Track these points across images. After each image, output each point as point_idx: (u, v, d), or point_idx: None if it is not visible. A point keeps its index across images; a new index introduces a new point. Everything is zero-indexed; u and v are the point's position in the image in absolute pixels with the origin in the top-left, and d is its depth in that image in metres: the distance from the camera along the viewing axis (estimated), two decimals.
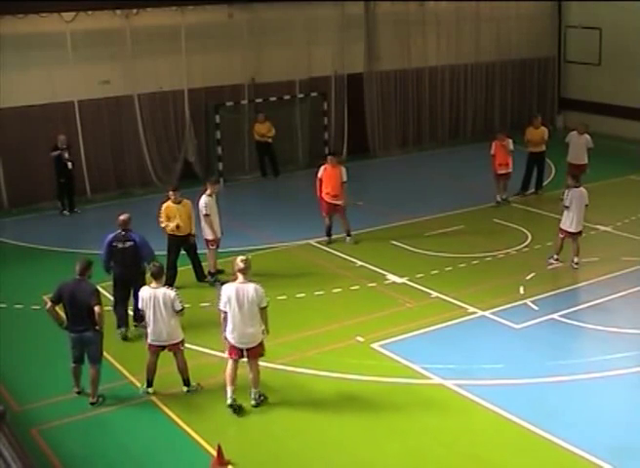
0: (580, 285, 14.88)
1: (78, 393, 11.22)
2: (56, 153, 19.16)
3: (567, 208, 15.22)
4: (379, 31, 24.42)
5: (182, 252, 14.65)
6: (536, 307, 13.67)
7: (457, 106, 26.53)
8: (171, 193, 14.38)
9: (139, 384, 11.39)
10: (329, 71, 23.96)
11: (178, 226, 14.20)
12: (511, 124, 25.85)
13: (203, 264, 14.98)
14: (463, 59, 26.34)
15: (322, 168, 16.78)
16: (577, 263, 15.36)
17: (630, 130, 25.69)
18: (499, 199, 19.47)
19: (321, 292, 14.53)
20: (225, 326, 10.63)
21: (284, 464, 9.76)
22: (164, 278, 11.18)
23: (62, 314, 10.95)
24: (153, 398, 11.13)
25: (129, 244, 12.76)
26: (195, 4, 21.36)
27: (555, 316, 13.33)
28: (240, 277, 10.58)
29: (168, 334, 10.90)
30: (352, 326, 13.11)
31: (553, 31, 28.11)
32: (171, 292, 10.85)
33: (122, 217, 12.91)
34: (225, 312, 10.56)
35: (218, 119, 21.78)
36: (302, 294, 14.44)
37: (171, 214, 14.28)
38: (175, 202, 14.30)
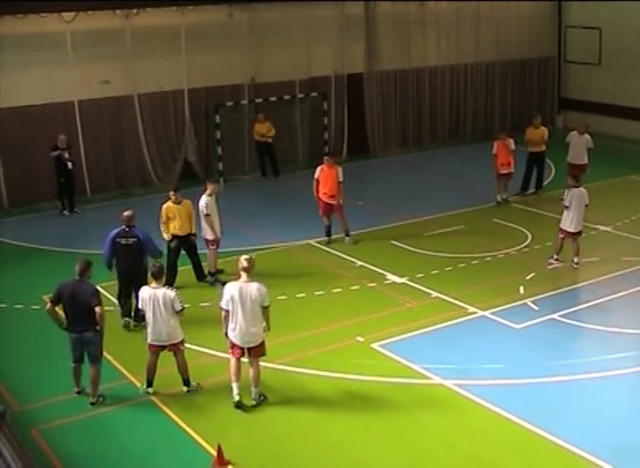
0: (579, 285, 14.88)
1: (78, 393, 11.22)
2: (56, 153, 19.16)
3: (567, 208, 15.23)
4: (379, 31, 24.42)
5: (182, 252, 14.66)
6: (536, 307, 13.67)
7: (457, 106, 26.54)
8: (171, 194, 14.39)
9: (139, 384, 11.39)
10: (329, 71, 23.97)
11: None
12: (511, 124, 25.82)
13: (203, 264, 14.98)
14: (463, 59, 26.34)
15: (319, 168, 16.81)
16: (577, 263, 15.36)
17: (630, 130, 25.69)
18: (499, 199, 19.47)
19: (321, 292, 14.53)
20: (226, 324, 10.65)
21: (284, 464, 9.76)
22: (164, 278, 11.18)
23: (62, 314, 10.95)
24: (153, 398, 11.13)
25: (132, 240, 12.86)
26: (195, 4, 21.36)
27: (555, 316, 13.33)
28: (243, 276, 10.59)
29: (168, 335, 10.91)
30: (352, 326, 13.11)
31: (553, 31, 28.12)
32: (171, 293, 10.85)
33: (126, 214, 13.02)
34: (227, 310, 10.57)
35: (218, 119, 21.79)
36: (302, 294, 14.44)
37: (171, 215, 14.30)
38: (175, 202, 14.31)
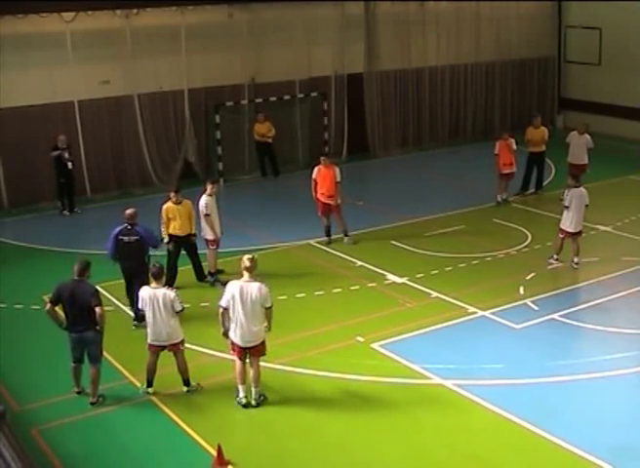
0: (579, 285, 14.89)
1: (78, 393, 11.22)
2: (56, 153, 19.17)
3: (567, 208, 15.23)
4: (379, 31, 24.42)
5: (182, 252, 14.66)
6: (536, 307, 13.67)
7: (457, 106, 26.54)
8: (172, 194, 14.40)
9: (139, 384, 11.39)
10: (329, 71, 23.97)
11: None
12: (511, 124, 25.81)
13: (203, 264, 14.98)
14: (463, 59, 26.34)
15: (316, 168, 16.81)
16: (577, 263, 15.36)
17: (630, 130, 25.69)
18: (499, 199, 19.48)
19: (321, 292, 14.53)
20: (223, 321, 10.63)
21: (284, 464, 9.76)
22: (164, 278, 11.18)
23: (62, 314, 10.94)
24: (153, 398, 11.13)
25: (134, 238, 12.99)
26: (195, 4, 21.36)
27: (555, 316, 13.33)
28: (245, 275, 10.60)
29: (168, 335, 10.91)
30: (352, 326, 13.11)
31: (553, 31, 28.12)
32: (171, 293, 10.85)
33: (128, 211, 13.14)
34: (225, 308, 10.57)
35: (218, 119, 21.81)
36: (302, 294, 14.44)
37: (171, 215, 14.30)
38: (175, 202, 14.31)
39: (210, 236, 14.73)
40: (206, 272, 14.99)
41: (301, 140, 23.65)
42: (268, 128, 22.23)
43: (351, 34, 23.97)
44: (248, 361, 10.82)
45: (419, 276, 15.10)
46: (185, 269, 14.80)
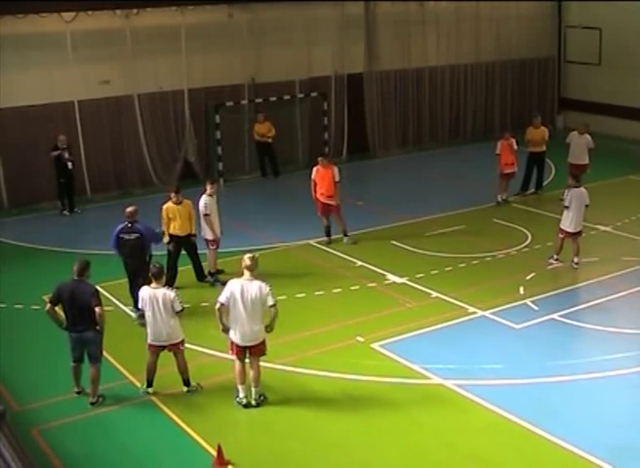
0: (579, 285, 14.89)
1: (78, 393, 11.22)
2: (56, 153, 19.17)
3: (567, 208, 15.23)
4: (379, 31, 24.42)
5: (182, 252, 14.66)
6: (536, 307, 13.67)
7: (457, 106, 26.54)
8: (172, 194, 14.41)
9: (139, 384, 11.39)
10: (329, 71, 23.97)
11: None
12: (511, 124, 25.81)
13: (203, 264, 14.98)
14: (463, 59, 26.34)
15: (315, 169, 16.81)
16: (577, 263, 15.36)
17: (630, 130, 25.69)
18: (499, 199, 19.47)
19: (321, 292, 14.53)
20: (221, 317, 10.61)
21: (284, 464, 9.76)
22: (164, 278, 11.18)
23: (62, 314, 10.94)
24: (153, 398, 11.13)
25: (134, 236, 13.16)
26: (195, 4, 21.35)
27: (555, 316, 13.33)
28: (246, 274, 10.60)
29: (167, 335, 10.91)
30: (352, 326, 13.11)
31: (553, 31, 28.11)
32: (170, 293, 10.85)
33: (129, 209, 13.30)
34: (222, 304, 10.55)
35: (218, 119, 21.81)
36: (302, 294, 14.44)
37: (171, 215, 14.31)
38: (175, 203, 14.32)
39: (209, 236, 14.73)
40: (206, 272, 14.99)
41: (301, 140, 23.65)
42: (268, 128, 22.22)
43: (351, 34, 23.96)
44: (248, 361, 10.82)
45: (419, 276, 15.10)
46: (185, 269, 14.81)
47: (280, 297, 13.66)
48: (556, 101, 28.58)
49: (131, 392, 11.34)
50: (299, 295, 14.38)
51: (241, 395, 10.83)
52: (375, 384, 11.40)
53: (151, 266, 11.22)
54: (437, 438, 10.17)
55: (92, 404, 10.99)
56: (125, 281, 13.85)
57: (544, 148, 20.03)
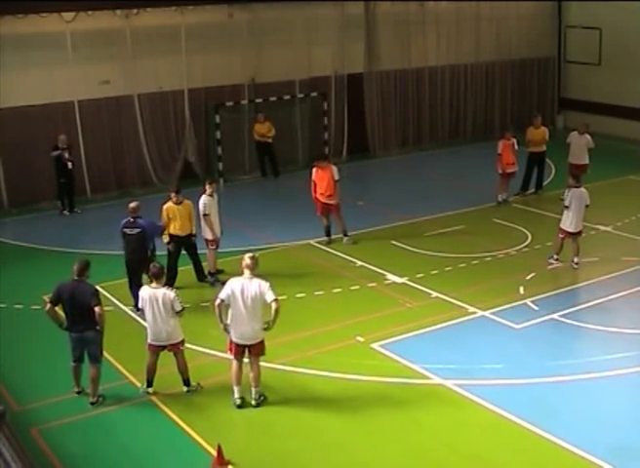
0: (579, 285, 14.89)
1: (78, 393, 11.22)
2: (56, 153, 19.17)
3: (567, 208, 15.23)
4: (379, 31, 24.42)
5: (183, 252, 14.67)
6: (536, 307, 13.67)
7: (457, 106, 26.54)
8: (173, 195, 14.42)
9: (139, 384, 11.39)
10: (329, 71, 23.96)
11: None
12: (511, 124, 25.74)
13: (203, 264, 14.98)
14: (463, 59, 26.34)
15: (314, 170, 16.80)
16: (577, 263, 15.36)
17: (630, 130, 25.68)
18: (500, 199, 19.47)
19: (321, 292, 14.53)
20: (220, 313, 10.57)
21: (284, 464, 9.76)
22: (164, 278, 11.18)
23: (62, 315, 10.95)
24: (153, 398, 11.13)
25: (136, 231, 13.47)
26: (195, 4, 21.35)
27: (555, 316, 13.33)
28: (246, 273, 10.60)
29: (168, 335, 10.91)
30: (352, 326, 13.11)
31: (553, 31, 28.11)
32: (170, 293, 10.85)
33: (132, 205, 13.62)
34: (222, 300, 10.54)
35: (218, 119, 21.80)
36: (302, 294, 14.44)
37: (171, 215, 14.33)
38: (175, 203, 14.34)
39: (209, 236, 14.74)
40: (206, 272, 14.99)
41: (301, 140, 23.64)
42: (268, 128, 22.22)
43: (351, 34, 23.96)
44: (247, 361, 10.82)
45: (419, 276, 15.10)
46: (185, 269, 14.81)
47: (280, 297, 13.63)
48: (556, 101, 28.58)
49: (131, 392, 11.34)
50: (299, 295, 14.38)
51: (236, 395, 10.82)
52: (375, 384, 11.40)
53: (151, 266, 11.21)
54: (437, 438, 10.16)
55: (92, 404, 10.99)
56: (125, 281, 13.87)
57: (545, 148, 20.03)
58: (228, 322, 10.63)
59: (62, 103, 20.29)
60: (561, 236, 15.44)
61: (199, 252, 14.85)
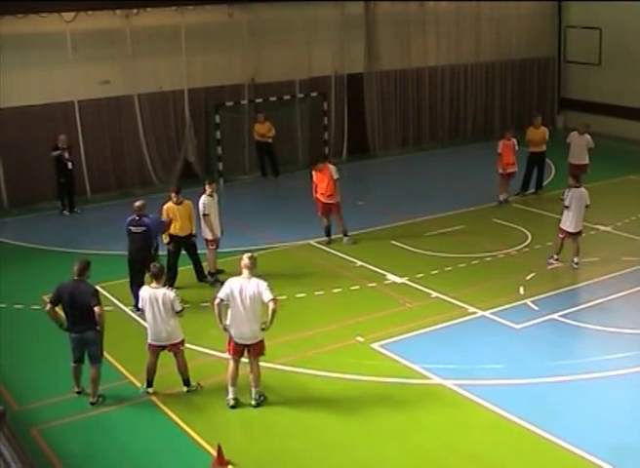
0: (579, 285, 14.89)
1: (78, 393, 11.22)
2: (56, 153, 19.17)
3: (567, 208, 15.23)
4: (379, 31, 24.41)
5: (183, 252, 14.67)
6: (536, 307, 13.67)
7: (457, 106, 26.54)
8: (173, 195, 14.43)
9: (139, 384, 11.39)
10: (329, 71, 23.96)
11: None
12: (511, 124, 25.74)
13: (203, 264, 14.98)
14: (463, 59, 26.34)
15: (313, 173, 16.80)
16: (577, 263, 15.36)
17: (631, 130, 25.68)
18: (501, 198, 19.47)
19: (321, 292, 14.53)
20: (219, 312, 10.57)
21: (284, 464, 9.76)
22: (164, 278, 11.18)
23: (62, 315, 10.95)
24: (153, 398, 11.13)
25: (141, 229, 13.54)
26: (195, 4, 21.35)
27: (555, 316, 13.33)
28: (245, 273, 10.60)
29: (168, 335, 10.91)
30: (352, 326, 13.11)
31: (553, 31, 28.11)
32: (170, 293, 10.85)
33: (137, 204, 13.74)
34: (221, 299, 10.55)
35: (218, 119, 21.80)
36: (302, 294, 14.44)
37: (171, 215, 14.33)
38: (176, 203, 14.35)
39: (209, 236, 14.74)
40: (206, 272, 14.99)
41: (301, 140, 23.64)
42: (268, 128, 22.22)
43: (351, 34, 23.96)
44: (247, 361, 10.81)
45: (419, 276, 15.10)
46: (185, 269, 14.81)
47: (280, 297, 13.67)
48: (556, 101, 28.58)
49: (131, 392, 11.34)
50: (299, 295, 14.38)
51: (230, 396, 10.82)
52: (375, 384, 11.40)
53: (151, 266, 11.22)
54: (437, 438, 10.16)
55: (92, 404, 10.99)
56: (125, 281, 13.87)
57: (545, 148, 20.03)
58: (227, 322, 10.64)
59: (62, 103, 20.29)
60: (561, 236, 15.44)
61: (199, 252, 14.86)
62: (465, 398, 10.93)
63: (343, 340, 12.62)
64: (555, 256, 15.60)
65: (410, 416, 10.62)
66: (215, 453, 9.55)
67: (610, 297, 14.06)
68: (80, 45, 20.18)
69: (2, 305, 14.26)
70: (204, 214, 14.60)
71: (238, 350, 10.72)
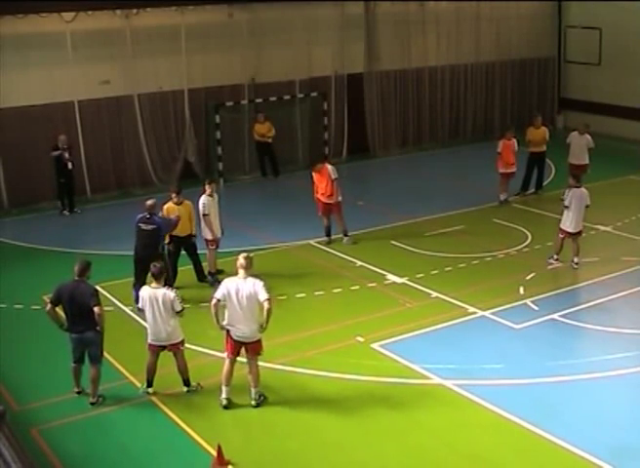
0: (579, 285, 14.89)
1: (78, 393, 11.22)
2: (56, 153, 19.17)
3: (567, 208, 15.23)
4: (379, 31, 24.42)
5: (183, 252, 14.67)
6: (536, 307, 13.67)
7: (457, 106, 26.54)
8: (173, 195, 14.44)
9: (139, 384, 11.39)
10: (329, 71, 23.97)
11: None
12: (511, 124, 25.76)
13: (203, 264, 14.98)
14: (463, 59, 26.34)
15: (313, 174, 16.81)
16: (577, 263, 15.36)
17: (631, 130, 25.68)
18: (502, 198, 19.47)
19: (321, 292, 14.53)
20: (216, 312, 10.58)
21: (284, 464, 9.76)
22: (164, 278, 11.17)
23: (63, 315, 10.95)
24: (153, 398, 11.13)
25: (151, 227, 13.64)
26: (195, 4, 21.36)
27: (555, 316, 13.33)
28: (241, 273, 10.60)
29: (168, 335, 10.91)
30: (352, 326, 13.11)
31: (553, 31, 28.12)
32: (170, 293, 10.85)
33: (149, 202, 13.87)
34: (218, 300, 10.56)
35: (218, 119, 21.80)
36: (302, 294, 14.44)
37: (172, 215, 14.32)
38: (176, 203, 14.36)
39: (209, 236, 14.74)
40: (206, 272, 15.00)
41: (301, 140, 23.65)
42: (268, 128, 22.23)
43: (351, 34, 23.96)
44: (245, 360, 10.81)
45: (419, 276, 15.10)
46: (185, 269, 14.81)
47: (280, 297, 13.75)
48: (556, 101, 28.58)
49: (131, 392, 11.34)
50: (299, 295, 14.38)
51: (223, 395, 10.81)
52: (374, 384, 11.40)
53: (151, 266, 11.22)
54: (437, 438, 10.16)
55: (92, 404, 10.99)
56: (125, 281, 13.87)
57: (545, 148, 20.03)
58: (224, 323, 10.64)
59: (62, 103, 20.29)
60: (561, 236, 15.44)
61: (199, 252, 14.86)
62: (465, 398, 10.93)
63: (343, 340, 12.62)
64: (555, 256, 15.60)
65: (410, 416, 10.62)
66: (215, 453, 9.54)
67: (610, 297, 14.06)
68: (80, 45, 20.18)
69: (2, 305, 14.26)
70: (204, 215, 14.61)
71: (235, 349, 10.71)
